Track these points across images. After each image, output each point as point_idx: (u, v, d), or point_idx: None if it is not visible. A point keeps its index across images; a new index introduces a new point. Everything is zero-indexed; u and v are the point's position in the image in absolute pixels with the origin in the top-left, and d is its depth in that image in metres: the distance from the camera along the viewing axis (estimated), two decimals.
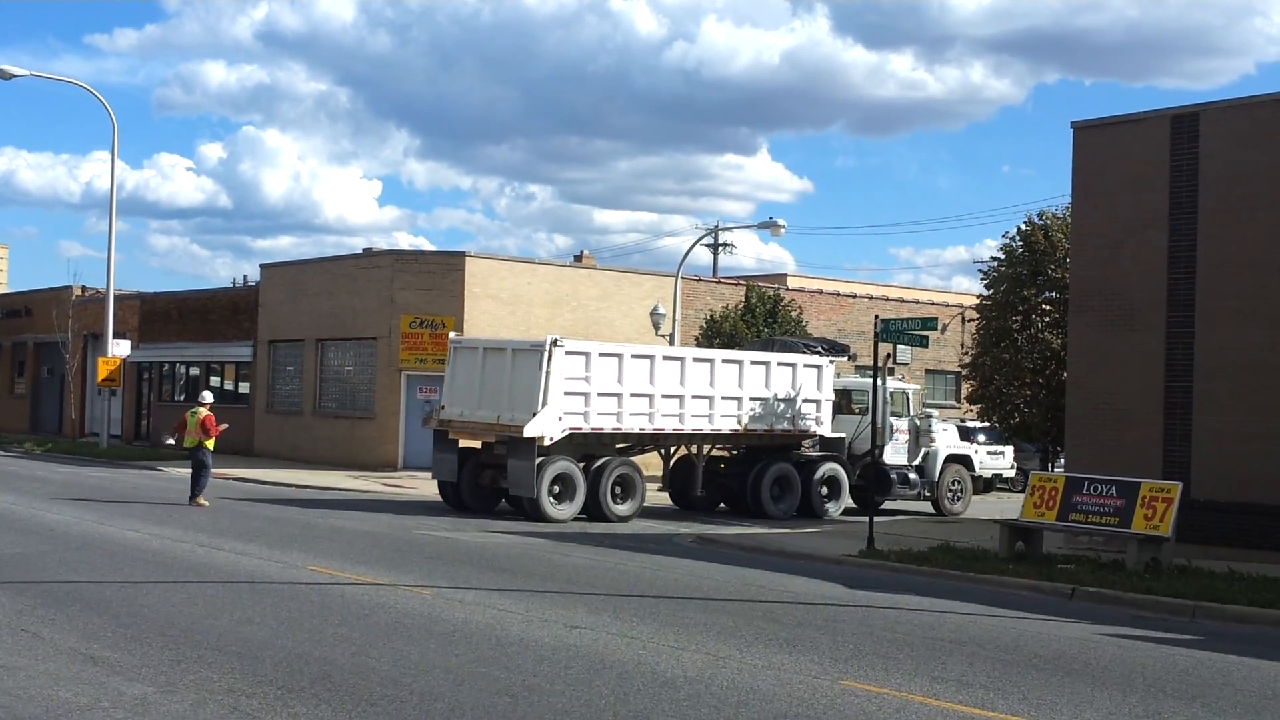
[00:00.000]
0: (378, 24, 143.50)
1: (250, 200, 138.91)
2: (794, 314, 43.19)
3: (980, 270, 34.63)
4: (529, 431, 26.39)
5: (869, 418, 31.76)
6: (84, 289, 58.11)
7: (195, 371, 51.13)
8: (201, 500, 26.53)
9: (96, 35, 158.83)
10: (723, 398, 29.40)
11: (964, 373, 38.97)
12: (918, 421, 32.25)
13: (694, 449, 30.33)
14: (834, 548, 22.60)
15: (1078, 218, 25.54)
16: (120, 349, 45.75)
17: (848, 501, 31.72)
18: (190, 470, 27.44)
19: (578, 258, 55.61)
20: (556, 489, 26.95)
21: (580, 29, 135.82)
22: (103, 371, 44.69)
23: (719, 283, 49.32)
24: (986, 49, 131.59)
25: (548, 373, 26.65)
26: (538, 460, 26.51)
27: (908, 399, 32.46)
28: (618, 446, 28.79)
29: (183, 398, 49.41)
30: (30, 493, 28.13)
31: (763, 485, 30.02)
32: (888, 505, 33.06)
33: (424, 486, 32.73)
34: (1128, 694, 11.50)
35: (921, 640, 13.83)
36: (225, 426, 28.28)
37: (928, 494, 32.45)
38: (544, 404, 26.57)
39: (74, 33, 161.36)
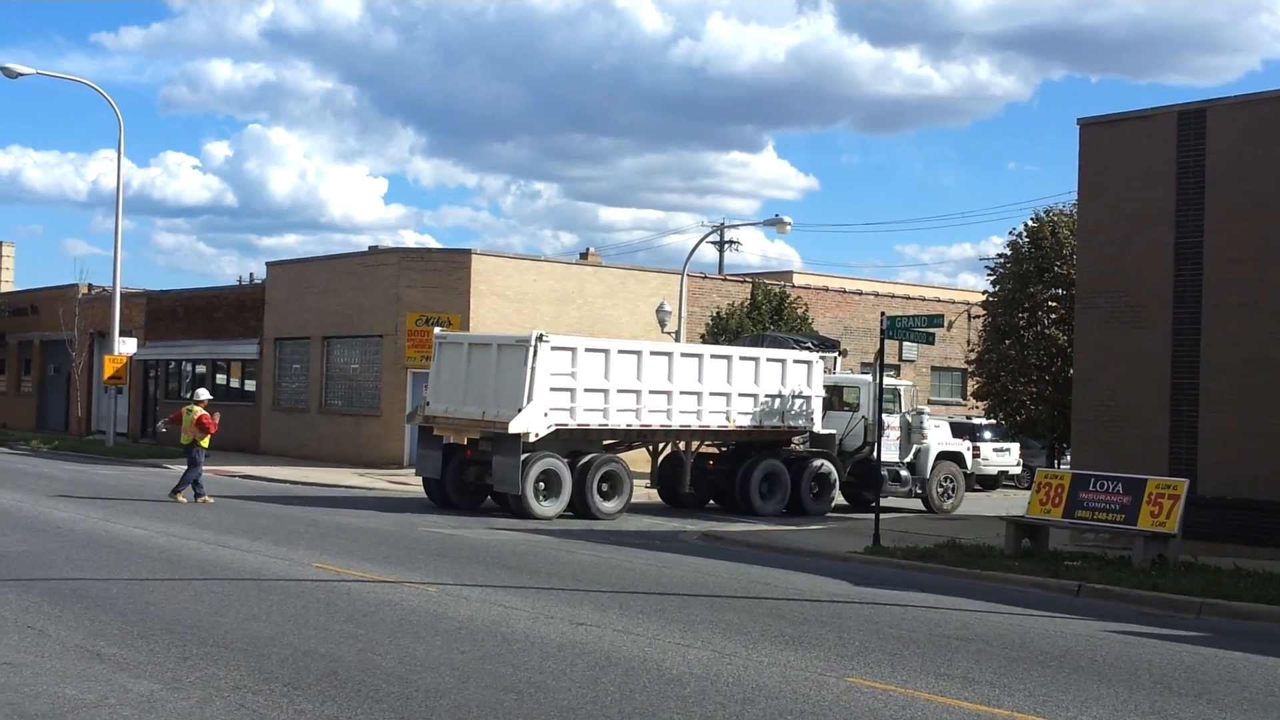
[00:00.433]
0: (383, 22, 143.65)
1: (256, 198, 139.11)
2: (800, 311, 43.14)
3: (986, 267, 34.60)
4: (514, 427, 26.20)
5: (859, 414, 31.77)
6: (90, 287, 58.18)
7: (201, 369, 51.19)
8: (181, 497, 26.53)
9: (103, 34, 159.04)
10: (711, 394, 29.19)
11: (970, 369, 38.89)
12: (909, 418, 32.11)
13: (682, 445, 30.12)
14: (840, 544, 22.59)
15: (1084, 214, 25.51)
16: (126, 347, 45.76)
17: (838, 499, 31.61)
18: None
19: (583, 255, 55.61)
20: (542, 485, 26.76)
21: (586, 26, 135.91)
22: (109, 369, 44.72)
23: (725, 280, 49.31)
24: (992, 46, 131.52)
25: (533, 368, 26.45)
26: (523, 457, 26.31)
27: (899, 395, 32.31)
28: (605, 443, 28.60)
29: (189, 395, 49.44)
30: (37, 490, 28.18)
31: (751, 482, 29.83)
32: (882, 502, 32.98)
33: None
34: (1134, 691, 11.49)
35: (927, 637, 13.82)
36: (218, 416, 28.18)
37: (919, 491, 32.34)
38: (529, 400, 26.39)
39: (80, 31, 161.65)
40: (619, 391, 27.81)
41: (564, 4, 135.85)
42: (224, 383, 50.68)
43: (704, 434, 29.89)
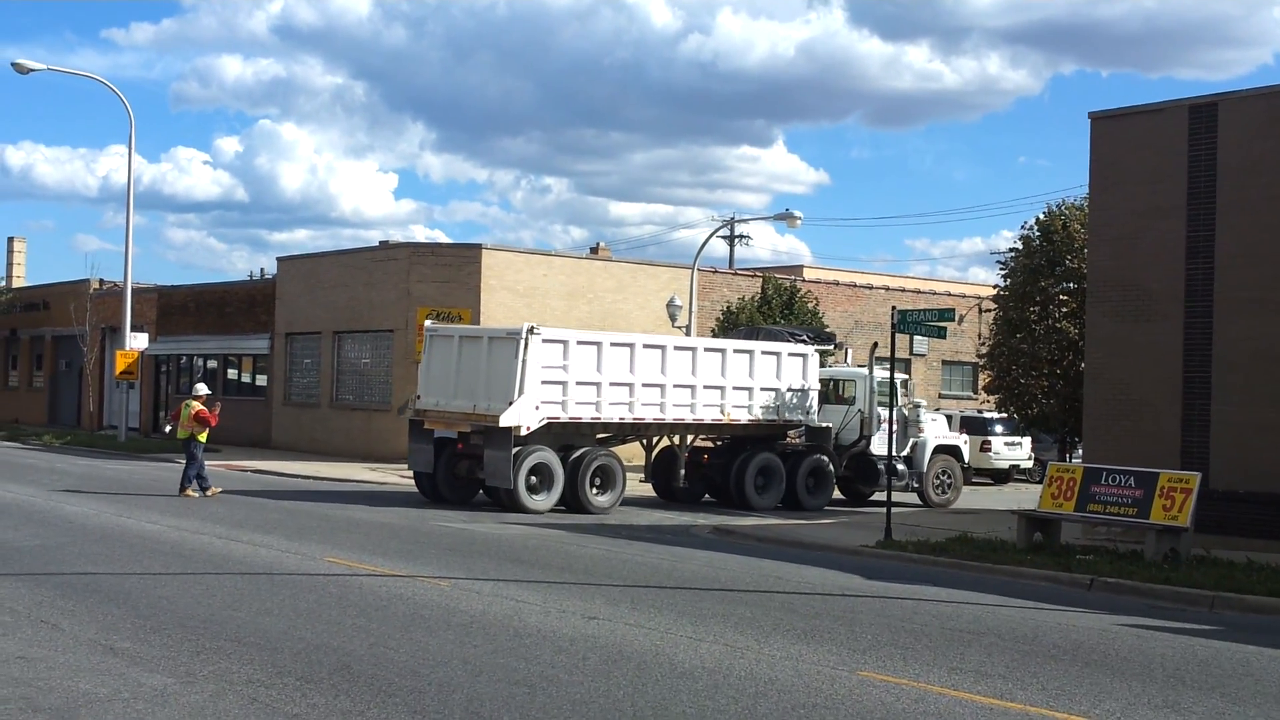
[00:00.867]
0: (393, 17, 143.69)
1: (267, 193, 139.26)
2: (810, 305, 43.11)
3: (998, 261, 34.61)
4: (505, 421, 26.00)
5: (855, 407, 31.60)
6: (101, 282, 58.31)
7: (213, 364, 51.28)
8: (190, 492, 26.61)
9: (113, 29, 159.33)
10: (705, 387, 28.97)
11: (981, 363, 38.91)
12: (906, 411, 31.80)
13: (676, 439, 29.87)
14: (851, 539, 22.59)
15: (1095, 208, 25.46)
16: (138, 342, 45.86)
17: (834, 493, 31.42)
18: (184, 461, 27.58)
19: (594, 250, 55.66)
20: (534, 479, 26.57)
21: (596, 22, 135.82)
22: (120, 364, 44.82)
23: (735, 274, 49.29)
24: (1003, 40, 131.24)
25: (524, 361, 26.25)
26: (514, 450, 26.09)
27: (896, 389, 32.07)
28: (598, 436, 28.37)
29: (209, 391, 49.52)
30: (49, 485, 28.24)
31: (747, 476, 29.55)
32: (876, 496, 32.85)
33: None
34: (1146, 684, 11.47)
35: (939, 631, 13.81)
36: (217, 409, 28.18)
37: (915, 485, 32.01)
38: (520, 393, 26.19)
39: (91, 27, 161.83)
40: (611, 384, 27.58)
41: None
42: (235, 378, 50.79)
43: (698, 427, 29.66)
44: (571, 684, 10.53)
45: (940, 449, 32.75)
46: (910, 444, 31.85)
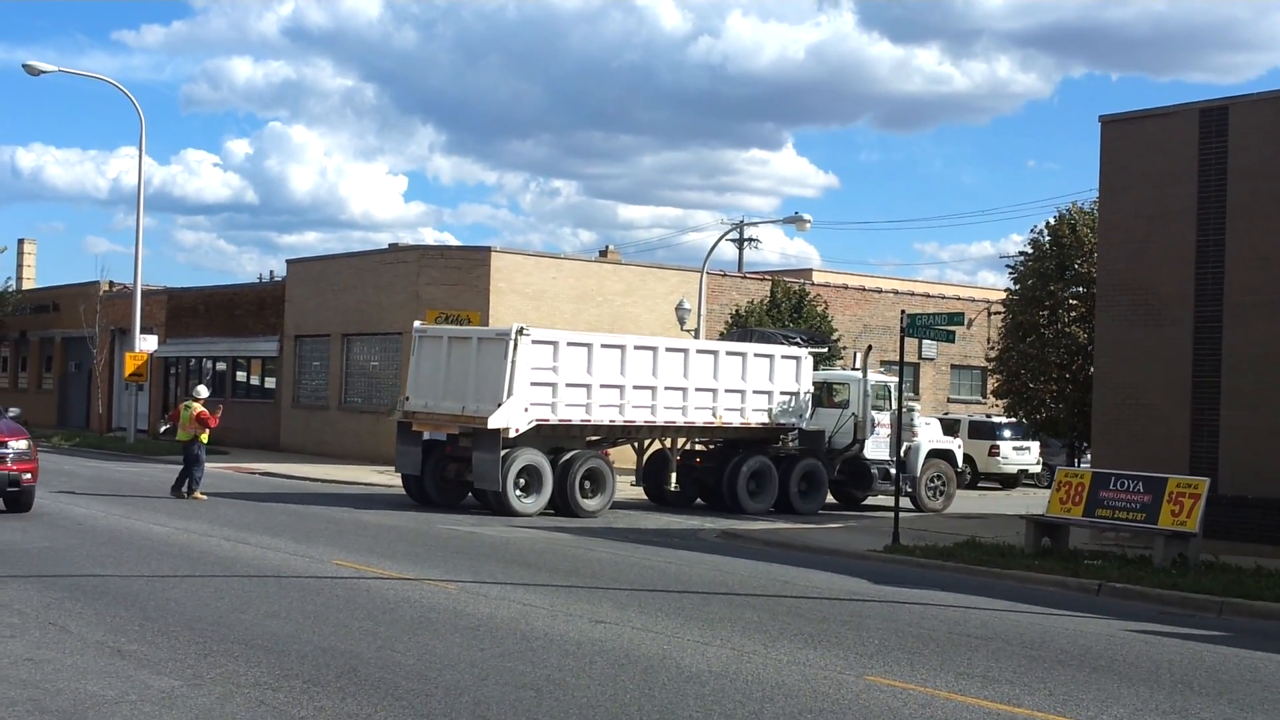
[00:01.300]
0: (403, 20, 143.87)
1: (277, 196, 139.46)
2: (819, 309, 43.10)
3: (1007, 265, 34.52)
4: (493, 423, 25.81)
5: (849, 411, 31.44)
6: (111, 284, 58.43)
7: (222, 366, 51.36)
8: (200, 494, 26.66)
9: (124, 31, 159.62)
10: (697, 389, 28.80)
11: (990, 367, 38.81)
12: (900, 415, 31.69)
13: (668, 442, 29.71)
14: (859, 543, 22.57)
15: (1105, 212, 25.42)
16: (147, 344, 45.92)
17: (827, 497, 31.25)
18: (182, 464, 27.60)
19: (603, 253, 55.61)
20: (522, 482, 26.38)
21: (605, 24, 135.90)
22: (130, 366, 44.87)
23: (744, 278, 49.29)
24: (1013, 43, 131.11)
25: (513, 362, 26.07)
26: (503, 452, 25.90)
27: (889, 392, 31.76)
28: (588, 439, 28.16)
29: (209, 392, 49.60)
30: (58, 486, 28.28)
31: (739, 480, 29.31)
32: (869, 501, 32.71)
33: None
34: (1154, 690, 11.45)
35: (947, 636, 13.80)
36: (219, 411, 28.18)
37: (909, 489, 31.68)
38: (509, 394, 26.02)
39: (101, 29, 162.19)
40: (602, 386, 27.40)
41: (584, 2, 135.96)
42: (244, 380, 50.86)
43: (690, 430, 29.49)
44: (578, 687, 10.53)
45: (934, 453, 32.54)
46: (904, 448, 31.55)
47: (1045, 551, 20.61)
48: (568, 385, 26.95)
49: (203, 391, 28.81)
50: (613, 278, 43.84)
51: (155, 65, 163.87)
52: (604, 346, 27.76)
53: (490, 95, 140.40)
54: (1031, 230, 33.95)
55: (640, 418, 28.16)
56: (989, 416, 44.19)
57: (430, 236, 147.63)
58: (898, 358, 23.31)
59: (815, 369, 31.92)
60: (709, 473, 30.11)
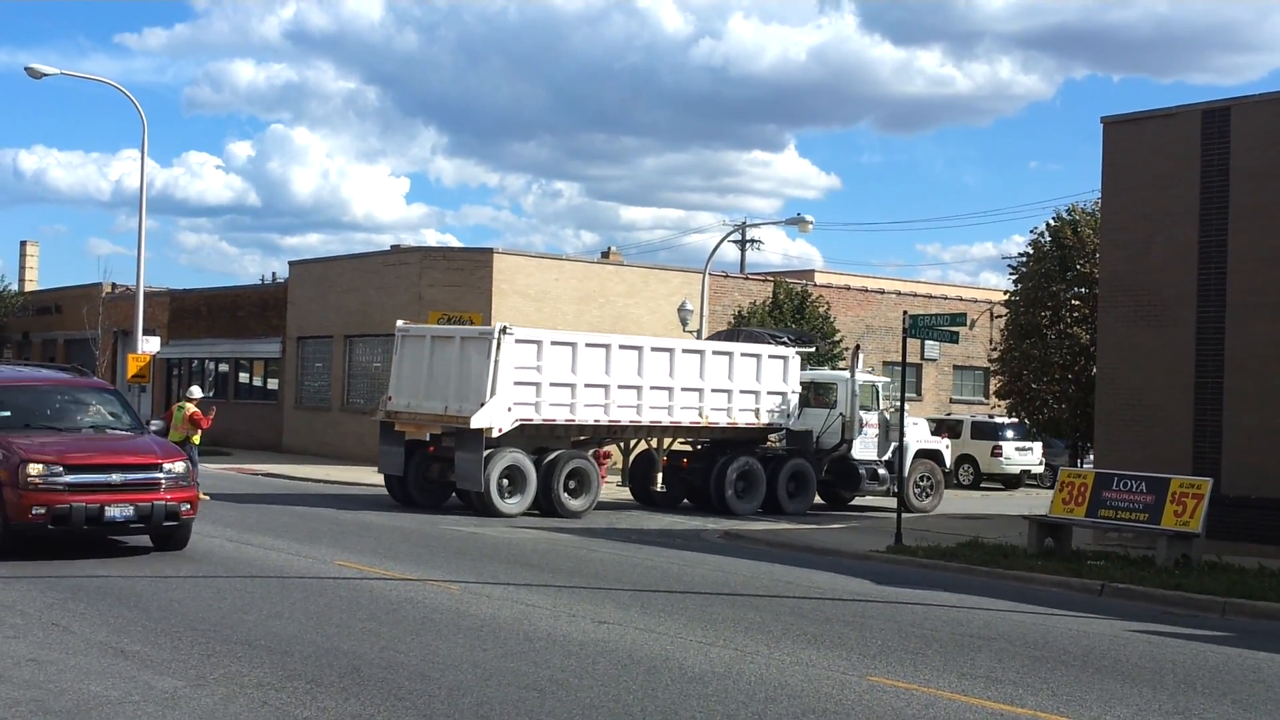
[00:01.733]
0: (405, 22, 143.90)
1: (279, 198, 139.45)
2: (821, 310, 43.10)
3: (1009, 266, 34.50)
4: (476, 422, 25.72)
5: (837, 411, 31.33)
6: (114, 286, 58.46)
7: (224, 368, 51.39)
8: (204, 495, 26.59)
9: (126, 34, 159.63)
10: (683, 389, 28.66)
11: (992, 368, 38.81)
12: (887, 415, 31.30)
13: (654, 442, 29.58)
14: (861, 543, 22.57)
15: (1107, 213, 25.42)
16: (150, 345, 45.78)
17: (815, 498, 31.16)
18: None
19: (605, 254, 55.65)
20: (505, 482, 26.23)
21: (607, 26, 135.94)
22: (132, 368, 44.75)
23: (746, 279, 49.30)
24: (1015, 45, 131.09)
25: (496, 362, 25.95)
26: (486, 452, 25.78)
27: (877, 392, 31.62)
28: (573, 439, 28.01)
29: (212, 393, 49.68)
30: None
31: (727, 480, 29.12)
32: (856, 501, 32.62)
33: None
34: (1157, 690, 11.45)
35: (950, 636, 13.79)
36: (212, 413, 28.12)
37: (897, 489, 31.70)
38: (492, 394, 25.91)
39: (103, 32, 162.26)
40: (586, 386, 27.26)
41: (585, 4, 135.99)
42: (246, 381, 50.88)
43: (676, 430, 29.37)
44: (581, 688, 10.53)
45: (921, 453, 32.43)
46: (892, 448, 31.47)
47: (1048, 552, 20.60)
48: (552, 385, 26.83)
49: (195, 392, 28.77)
50: (615, 279, 43.85)
51: (157, 68, 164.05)
52: (588, 346, 27.66)
53: (492, 97, 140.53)
54: (1033, 231, 33.97)
55: (626, 418, 28.03)
56: (991, 417, 44.20)
57: (432, 238, 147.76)
58: (900, 359, 23.27)
59: (804, 368, 31.86)
60: (696, 473, 29.96)
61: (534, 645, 12.21)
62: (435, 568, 17.67)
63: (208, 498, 26.65)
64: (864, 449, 30.98)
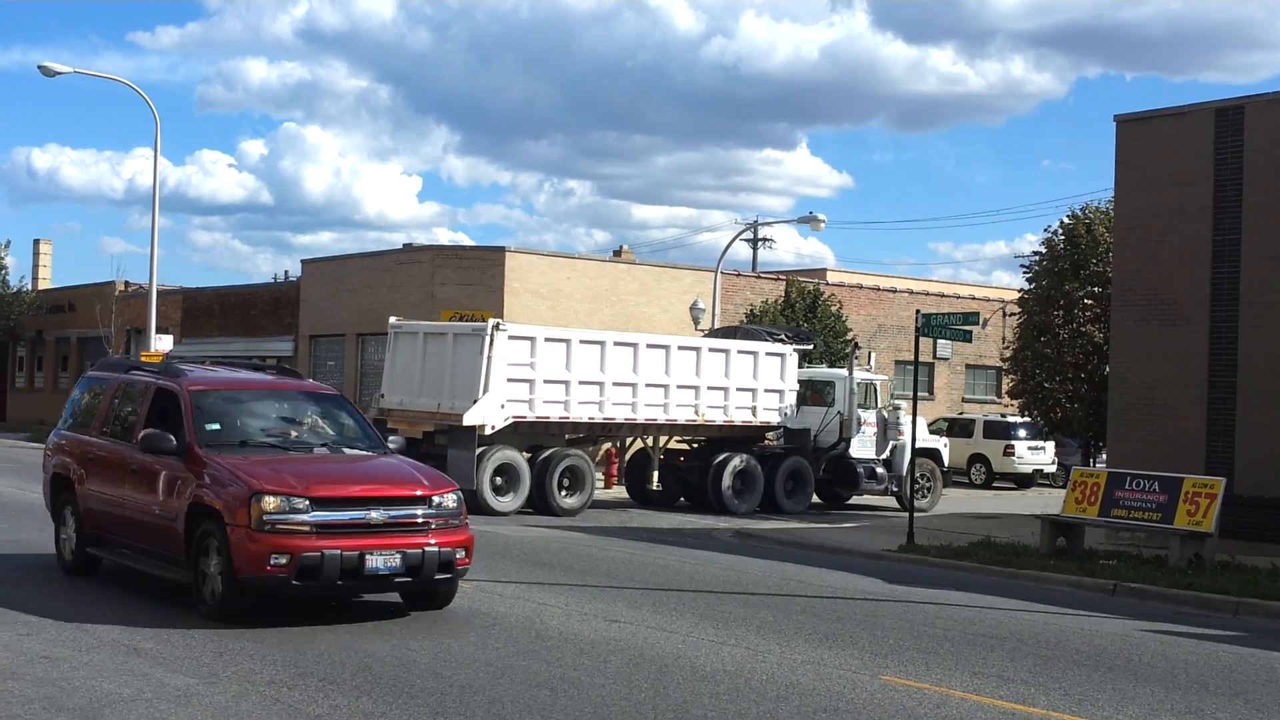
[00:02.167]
0: (417, 21, 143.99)
1: (291, 196, 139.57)
2: (834, 309, 43.05)
3: (1022, 265, 34.40)
4: (469, 420, 25.61)
5: (834, 409, 31.24)
6: (127, 284, 58.59)
7: None
8: None
9: (139, 33, 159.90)
10: (679, 386, 28.51)
11: (1005, 367, 38.74)
12: (885, 414, 31.25)
13: (650, 440, 29.47)
14: (873, 542, 22.55)
15: (1120, 211, 25.37)
16: (163, 344, 45.88)
17: (813, 496, 31.05)
18: None
19: (617, 253, 55.64)
20: (499, 480, 26.11)
21: (619, 25, 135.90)
22: None
23: (758, 278, 49.27)
24: (1027, 43, 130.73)
25: (489, 358, 25.85)
26: (478, 450, 25.67)
27: (875, 390, 31.50)
28: (567, 437, 27.90)
29: None
30: None
31: (723, 479, 28.90)
32: (854, 500, 32.56)
33: None
34: (1170, 690, 11.43)
35: (962, 635, 13.78)
36: None
37: (895, 488, 31.34)
38: (485, 391, 25.79)
39: (116, 30, 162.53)
40: (580, 383, 27.14)
41: (597, 2, 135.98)
42: None
43: (672, 428, 29.26)
44: (593, 686, 10.54)
45: (919, 452, 32.32)
46: (889, 446, 31.27)
47: (1060, 551, 20.56)
48: (545, 382, 26.72)
49: None
50: (627, 277, 43.85)
51: (170, 66, 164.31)
52: (582, 343, 27.56)
53: (504, 96, 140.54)
54: (1046, 230, 33.87)
55: (621, 415, 27.90)
56: (1004, 416, 44.12)
57: (445, 237, 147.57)
58: (912, 357, 23.22)
59: (803, 365, 31.80)
60: (692, 471, 29.77)
61: (546, 644, 12.22)
62: None
63: None
64: (862, 447, 30.88)
